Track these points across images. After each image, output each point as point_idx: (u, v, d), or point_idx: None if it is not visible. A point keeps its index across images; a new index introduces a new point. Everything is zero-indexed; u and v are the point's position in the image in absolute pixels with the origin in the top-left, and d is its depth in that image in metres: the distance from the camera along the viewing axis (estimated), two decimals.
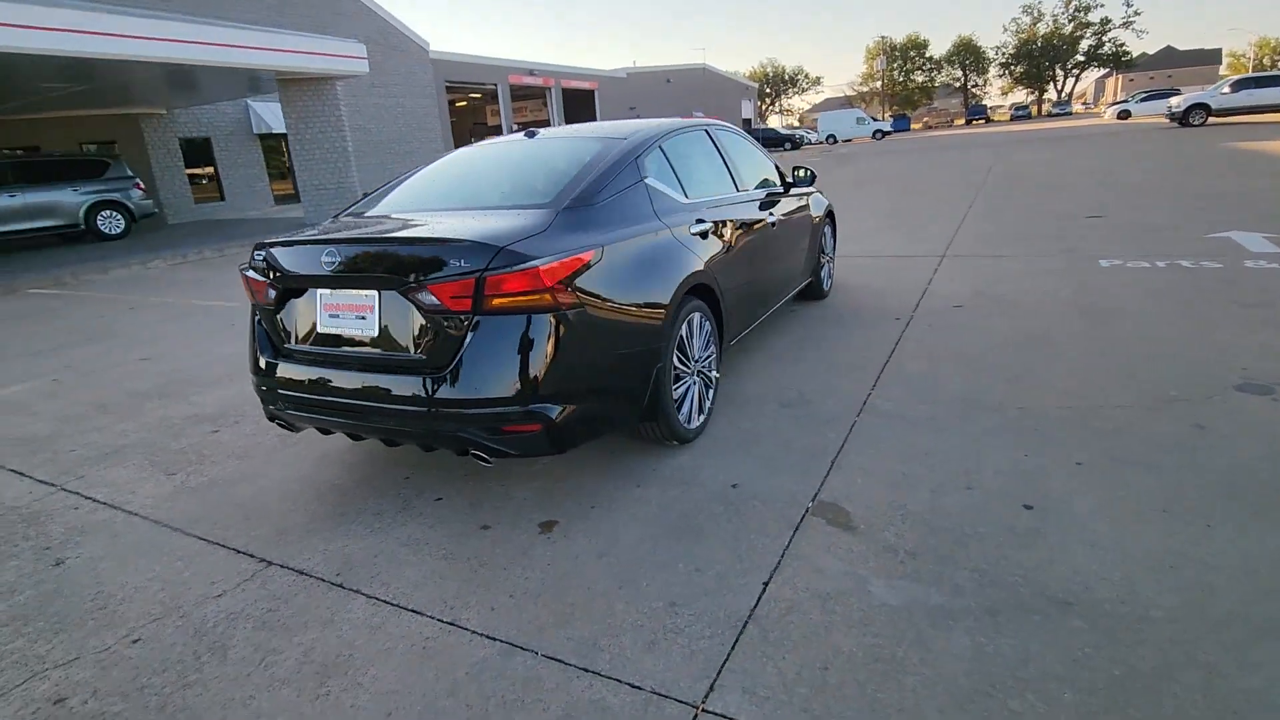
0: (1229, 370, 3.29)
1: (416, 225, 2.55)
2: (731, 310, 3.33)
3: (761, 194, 4.05)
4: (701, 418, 3.07)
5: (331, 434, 2.71)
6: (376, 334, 2.38)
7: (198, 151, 19.47)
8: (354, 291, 2.40)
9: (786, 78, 75.72)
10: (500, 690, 1.73)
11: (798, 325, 4.69)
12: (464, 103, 36.04)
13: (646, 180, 2.90)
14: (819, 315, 4.90)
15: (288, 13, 19.60)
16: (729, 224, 3.41)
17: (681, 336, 2.83)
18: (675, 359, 2.80)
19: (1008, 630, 1.79)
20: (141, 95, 16.22)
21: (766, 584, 2.06)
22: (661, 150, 3.17)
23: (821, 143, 47.93)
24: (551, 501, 2.63)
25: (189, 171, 19.46)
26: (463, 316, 2.21)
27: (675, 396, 2.84)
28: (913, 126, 65.53)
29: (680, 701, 1.65)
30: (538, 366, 2.23)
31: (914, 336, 4.25)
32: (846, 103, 73.17)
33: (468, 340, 2.21)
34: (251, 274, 2.68)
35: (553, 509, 2.58)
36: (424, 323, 2.28)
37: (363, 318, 2.40)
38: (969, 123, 63.65)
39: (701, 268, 2.99)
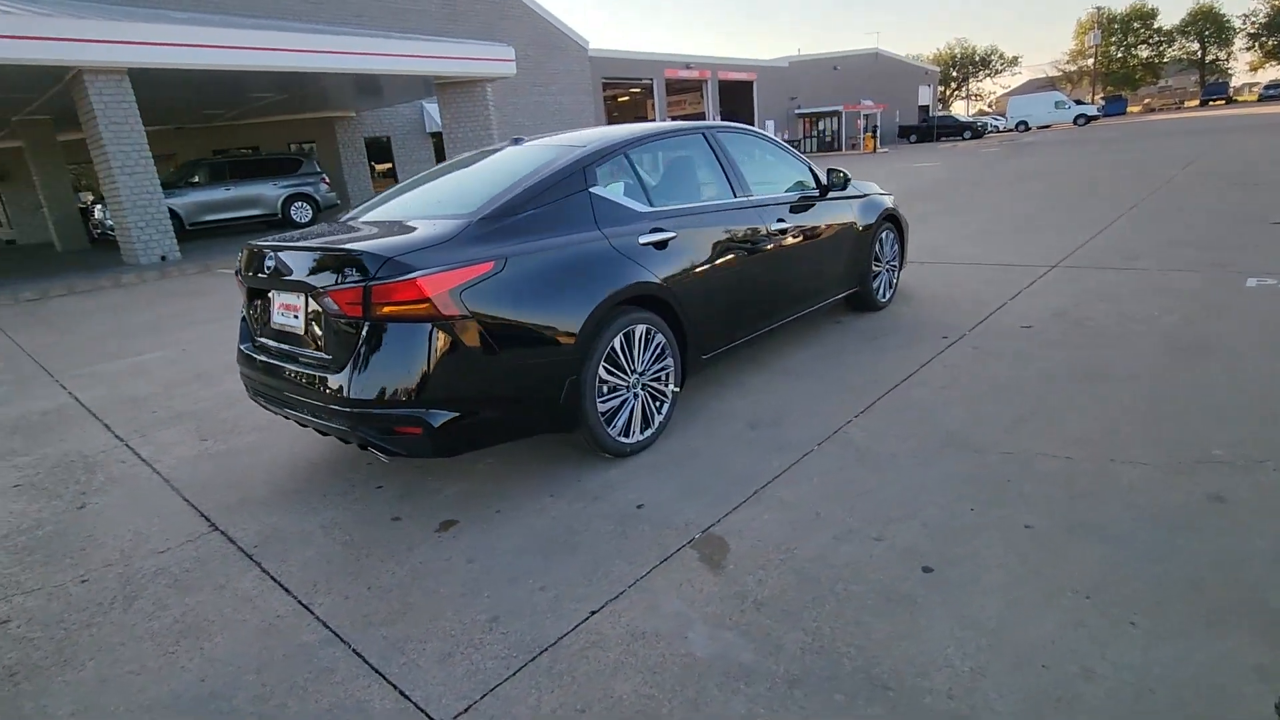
0: None
1: (345, 234, 2.75)
2: (702, 323, 3.20)
3: (779, 198, 3.82)
4: (647, 432, 3.00)
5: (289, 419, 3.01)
6: (303, 333, 2.61)
7: (379, 149, 21.88)
8: (289, 294, 2.65)
9: (977, 59, 69.14)
10: (297, 675, 1.86)
11: (830, 338, 4.37)
12: (626, 98, 37.08)
13: (592, 190, 2.87)
14: (861, 328, 4.53)
15: (459, 20, 21.33)
16: (709, 232, 3.27)
17: (614, 349, 2.78)
18: (605, 371, 2.76)
19: (794, 706, 1.61)
20: (335, 100, 18.54)
21: (594, 613, 2.00)
22: (626, 158, 3.11)
23: (1010, 130, 43.41)
24: (467, 501, 2.73)
25: (372, 166, 21.93)
26: (356, 322, 2.36)
27: (605, 409, 2.80)
28: (1130, 109, 57.25)
29: (429, 718, 1.68)
30: (418, 374, 2.33)
31: (949, 360, 3.81)
32: (1049, 84, 65.36)
33: (359, 344, 2.36)
34: (238, 272, 3.03)
35: (463, 508, 2.67)
36: (330, 325, 2.46)
37: (296, 317, 2.64)
38: (1204, 104, 54.31)
39: (652, 279, 2.91)
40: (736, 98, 35.57)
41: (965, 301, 4.96)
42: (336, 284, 2.38)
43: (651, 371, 2.99)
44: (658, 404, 3.07)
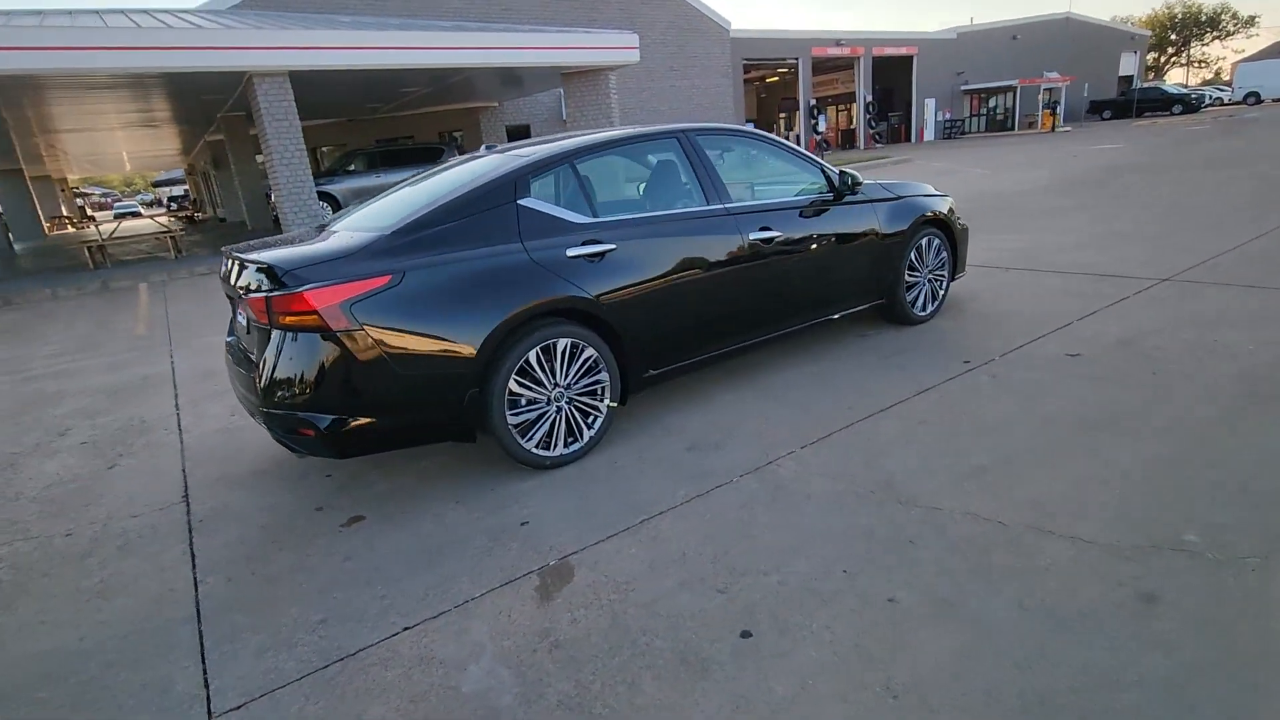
0: None
1: (289, 244, 2.95)
2: (648, 339, 3.10)
3: (766, 205, 3.57)
4: (574, 446, 2.97)
5: None
6: (246, 333, 2.86)
7: (519, 136, 22.97)
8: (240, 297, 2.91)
9: (1203, 19, 58.97)
10: (146, 648, 2.08)
11: (837, 355, 4.04)
12: (774, 78, 35.95)
13: (520, 202, 2.86)
14: (882, 345, 4.13)
15: (600, 8, 21.74)
16: (664, 243, 3.14)
17: (529, 363, 2.78)
18: (517, 384, 2.76)
19: None
20: (479, 92, 19.71)
21: (406, 630, 2.04)
22: (573, 168, 3.06)
23: (1236, 103, 36.83)
24: (386, 498, 2.87)
25: None
26: (265, 329, 2.56)
27: (519, 422, 2.81)
28: None
29: (203, 709, 1.81)
30: (311, 380, 2.48)
31: (950, 390, 3.39)
32: None
33: (269, 349, 2.56)
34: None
35: (377, 505, 2.82)
36: (254, 330, 2.68)
37: (243, 319, 2.90)
38: None
39: (579, 293, 2.86)
40: (893, 74, 33.23)
41: (1023, 318, 4.36)
42: (252, 292, 2.59)
43: (581, 386, 2.95)
44: (590, 418, 3.02)
